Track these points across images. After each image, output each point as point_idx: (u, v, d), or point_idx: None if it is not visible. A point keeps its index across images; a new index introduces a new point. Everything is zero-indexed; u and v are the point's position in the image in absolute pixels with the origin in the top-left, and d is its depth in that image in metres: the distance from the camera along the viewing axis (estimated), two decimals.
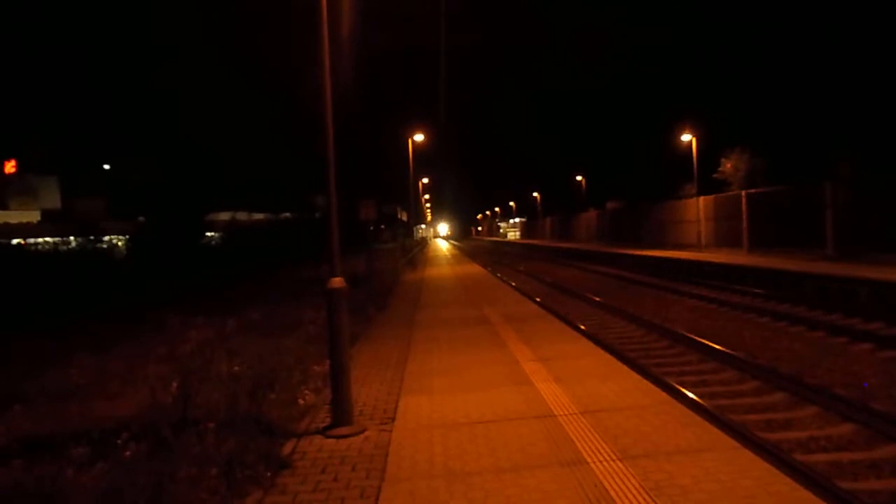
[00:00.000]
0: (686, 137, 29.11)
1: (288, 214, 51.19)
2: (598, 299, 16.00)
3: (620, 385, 5.82)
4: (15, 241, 35.76)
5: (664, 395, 5.57)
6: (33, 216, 58.68)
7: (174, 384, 5.74)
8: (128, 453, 4.10)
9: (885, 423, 5.93)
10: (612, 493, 3.50)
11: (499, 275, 24.06)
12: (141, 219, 37.07)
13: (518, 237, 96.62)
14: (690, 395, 7.09)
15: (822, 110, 24.72)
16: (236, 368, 6.39)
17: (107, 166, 67.35)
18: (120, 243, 32.64)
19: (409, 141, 27.33)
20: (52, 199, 66.57)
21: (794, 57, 29.45)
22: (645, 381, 6.06)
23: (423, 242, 53.81)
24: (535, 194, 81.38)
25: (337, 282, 4.98)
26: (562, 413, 5.02)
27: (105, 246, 27.51)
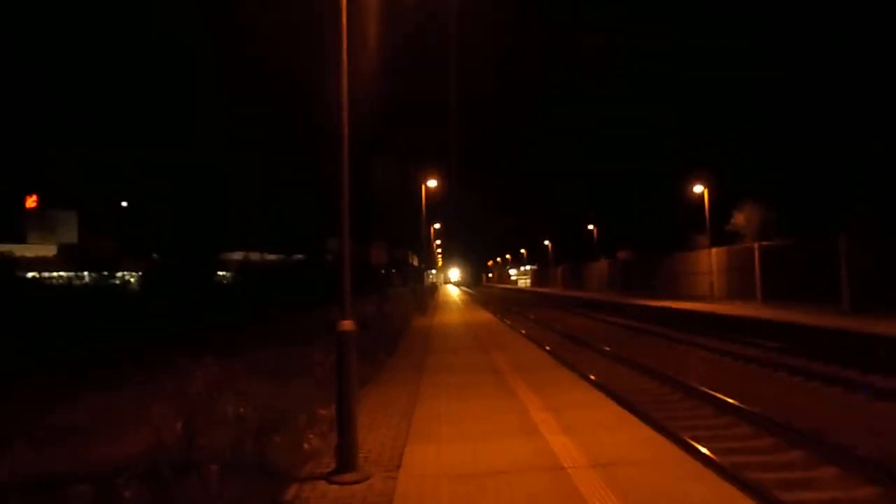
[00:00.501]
0: (698, 189, 29.21)
1: (300, 256, 51.60)
2: (608, 349, 15.80)
3: (632, 437, 5.68)
4: (30, 275, 36.19)
5: (677, 449, 5.42)
6: (50, 250, 59.53)
7: (178, 424, 5.68)
8: (127, 494, 4.03)
9: None
10: None
11: (508, 322, 23.89)
12: (155, 256, 37.49)
13: (528, 284, 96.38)
14: (703, 449, 6.90)
15: (835, 164, 24.83)
16: (241, 410, 6.31)
17: (125, 203, 68.61)
18: (132, 279, 32.90)
19: (423, 186, 27.68)
20: (70, 234, 67.62)
21: (808, 109, 29.77)
22: (657, 434, 5.92)
23: (434, 288, 53.80)
24: (546, 242, 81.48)
25: (347, 324, 4.96)
26: (572, 465, 4.88)
27: (118, 282, 27.73)
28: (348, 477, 4.76)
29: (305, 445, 5.62)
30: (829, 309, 19.03)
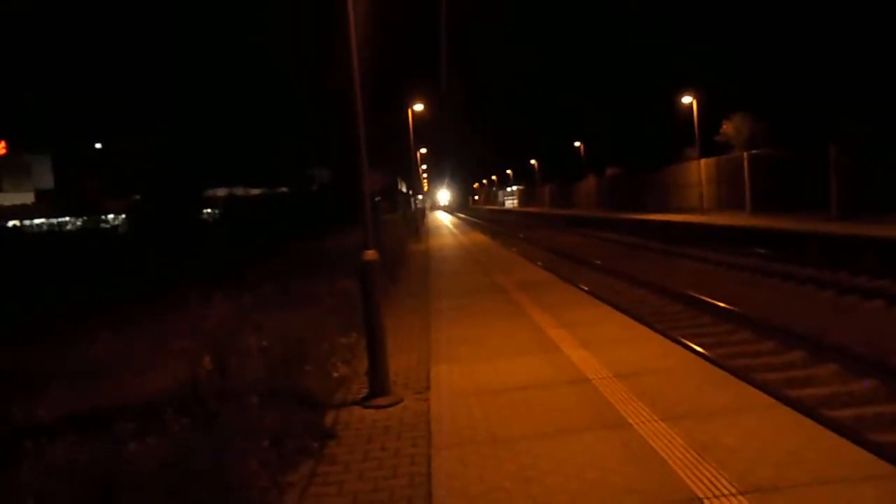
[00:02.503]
0: (687, 100, 28.90)
1: (284, 189, 51.05)
2: (606, 265, 16.08)
3: (647, 348, 5.89)
4: (11, 223, 35.56)
5: (692, 356, 5.65)
6: (27, 197, 58.16)
7: (206, 358, 5.79)
8: (176, 427, 4.16)
9: None
10: (662, 453, 3.58)
11: (503, 243, 24.11)
12: (136, 197, 36.87)
13: (515, 205, 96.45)
14: (712, 356, 7.18)
15: (826, 74, 24.53)
16: (264, 343, 6.44)
17: (99, 145, 66.65)
18: (118, 223, 32.50)
19: (409, 111, 27.09)
20: (46, 179, 65.84)
21: (798, 19, 29.08)
22: (671, 344, 6.15)
23: (422, 213, 53.80)
24: (532, 162, 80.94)
25: (370, 254, 5.00)
26: (595, 377, 5.09)
27: (107, 226, 27.40)
28: (382, 401, 4.93)
29: (334, 373, 5.78)
30: (818, 217, 19.35)
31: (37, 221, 44.01)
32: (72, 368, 6.29)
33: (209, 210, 41.72)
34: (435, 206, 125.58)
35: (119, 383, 5.90)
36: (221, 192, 49.92)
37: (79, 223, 28.48)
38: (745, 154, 24.80)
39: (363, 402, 4.97)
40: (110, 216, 36.66)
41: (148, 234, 26.53)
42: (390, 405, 4.87)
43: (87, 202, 34.86)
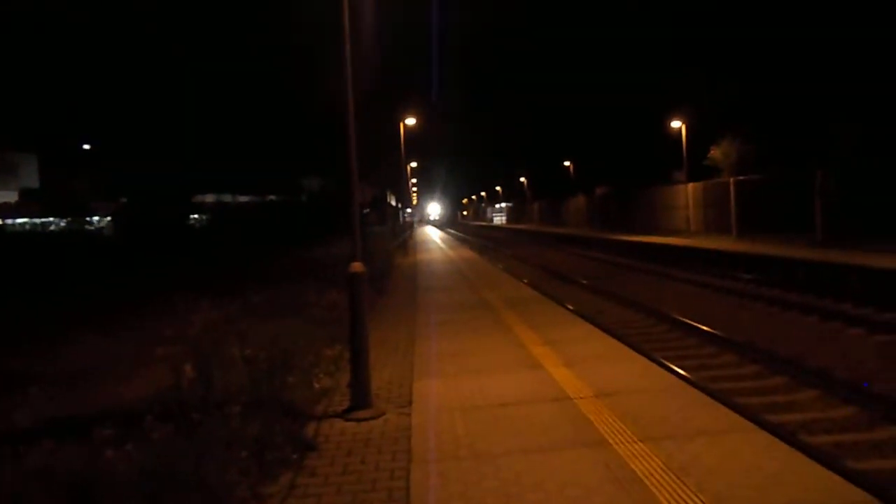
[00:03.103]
0: (676, 124, 29.29)
1: (273, 197, 50.95)
2: (593, 284, 16.17)
3: (630, 368, 5.93)
4: None
5: (674, 378, 5.69)
6: (11, 196, 57.41)
7: (187, 366, 5.75)
8: (156, 434, 4.12)
9: (884, 405, 6.11)
10: (640, 473, 3.60)
11: (491, 259, 24.17)
12: (123, 199, 36.59)
13: (504, 222, 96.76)
14: (695, 378, 7.23)
15: (812, 101, 24.96)
16: (248, 351, 6.40)
17: (87, 146, 66.16)
18: (104, 225, 32.17)
19: (402, 125, 27.20)
20: (31, 178, 65.09)
21: (786, 43, 29.63)
22: (653, 365, 6.19)
23: (411, 227, 53.83)
24: (522, 179, 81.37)
25: (357, 266, 5.01)
26: (577, 396, 5.11)
27: (92, 228, 27.12)
28: (363, 413, 4.91)
29: (316, 384, 5.76)
30: (802, 242, 19.61)
31: (20, 221, 43.51)
32: (53, 373, 6.23)
33: (196, 216, 41.50)
34: (424, 220, 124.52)
35: (100, 389, 5.85)
36: (209, 198, 49.70)
37: (63, 224, 28.14)
38: (731, 180, 25.13)
39: (345, 415, 4.95)
40: (95, 218, 36.33)
41: (134, 238, 26.31)
42: (372, 418, 4.86)
43: (73, 203, 34.54)
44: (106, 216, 34.31)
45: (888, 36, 23.64)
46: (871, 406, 6.18)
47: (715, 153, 28.02)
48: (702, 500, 3.23)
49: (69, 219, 28.61)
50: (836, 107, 23.45)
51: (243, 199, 54.63)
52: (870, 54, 24.68)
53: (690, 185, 28.91)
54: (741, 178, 24.65)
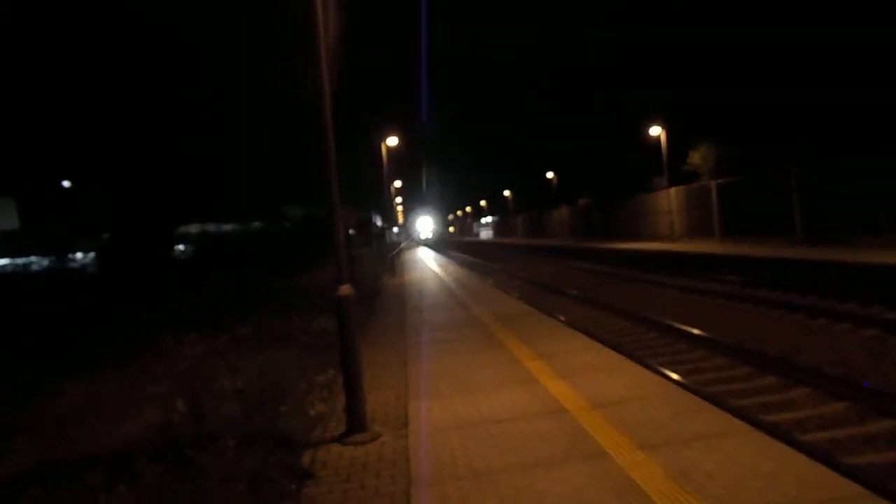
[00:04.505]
0: (655, 131, 29.69)
1: (258, 224, 50.73)
2: (581, 294, 16.22)
3: (623, 377, 5.94)
4: None
5: (668, 384, 5.70)
6: None
7: (179, 402, 5.68)
8: (148, 477, 4.05)
9: (875, 399, 6.17)
10: (640, 482, 3.59)
11: (478, 274, 24.18)
12: (106, 236, 36.20)
13: (490, 236, 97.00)
14: (688, 383, 7.26)
15: (785, 101, 25.50)
16: (240, 384, 6.34)
17: (67, 183, 65.61)
18: (85, 262, 31.80)
19: (383, 145, 27.28)
20: (10, 221, 64.40)
21: (756, 45, 30.24)
22: (646, 372, 6.20)
23: (398, 246, 53.72)
24: (506, 193, 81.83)
25: (345, 289, 4.99)
26: (573, 408, 5.10)
27: (75, 265, 26.78)
28: (360, 437, 4.87)
29: (311, 411, 5.71)
30: (783, 241, 19.87)
31: (1, 262, 42.91)
32: (38, 421, 6.10)
33: (182, 246, 41.17)
34: (413, 239, 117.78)
35: (89, 433, 5.73)
36: (194, 228, 49.32)
37: (45, 263, 27.78)
38: (713, 183, 25.46)
39: (341, 440, 4.90)
40: (79, 255, 35.92)
41: (117, 274, 26.01)
42: (368, 442, 4.81)
43: (54, 241, 34.15)
44: (89, 252, 33.94)
45: (854, 39, 24.25)
46: (862, 400, 6.24)
47: (694, 157, 28.42)
48: None
49: (52, 257, 28.26)
50: (806, 107, 23.98)
51: (227, 227, 54.31)
52: (838, 59, 25.28)
53: (672, 190, 29.24)
54: (721, 180, 24.99)
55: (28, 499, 3.76)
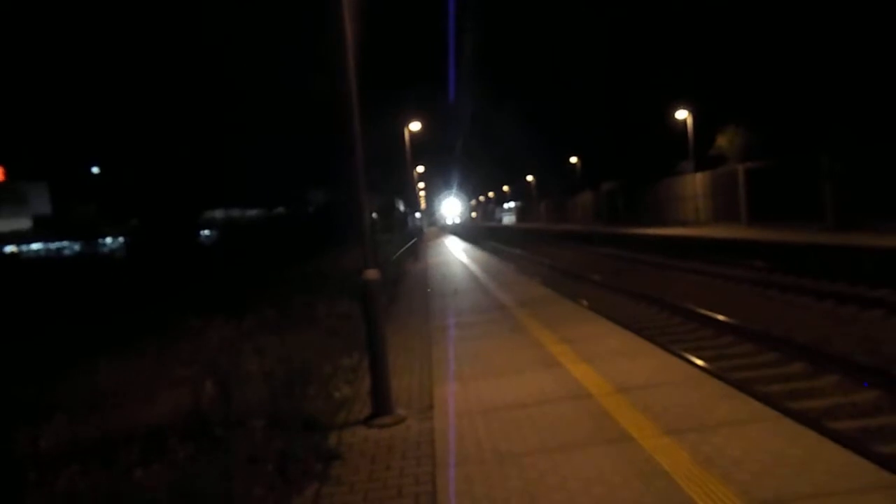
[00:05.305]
0: (681, 115, 29.18)
1: (281, 209, 51.27)
2: (605, 279, 16.12)
3: (648, 362, 5.91)
4: (9, 249, 35.53)
5: (694, 370, 5.66)
6: (24, 223, 58.30)
7: (207, 384, 5.80)
8: (181, 454, 4.16)
9: None
10: (666, 467, 3.59)
11: (502, 259, 24.15)
12: (134, 221, 36.94)
13: (513, 221, 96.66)
14: (714, 369, 7.20)
15: (816, 85, 24.80)
16: (266, 366, 6.44)
17: (96, 169, 66.90)
18: (116, 246, 32.48)
19: (406, 130, 27.24)
20: (43, 205, 66.05)
21: (786, 29, 29.41)
22: (671, 357, 6.16)
23: (420, 232, 53.82)
24: (528, 178, 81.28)
25: (371, 273, 5.03)
26: (598, 392, 5.10)
27: (105, 250, 27.37)
28: (386, 420, 4.93)
29: (336, 394, 5.79)
30: (813, 227, 19.46)
31: (34, 247, 44.04)
32: (74, 398, 6.28)
33: (206, 232, 41.82)
34: (437, 225, 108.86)
35: (122, 412, 5.88)
36: (219, 213, 50.07)
37: (76, 248, 28.45)
38: (740, 167, 24.98)
39: (367, 422, 4.97)
40: (108, 239, 36.67)
41: (146, 259, 26.55)
42: (394, 424, 4.87)
43: (85, 227, 34.90)
44: (118, 237, 34.64)
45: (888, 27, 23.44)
46: (893, 389, 6.12)
47: (721, 141, 27.89)
48: (729, 492, 3.22)
49: (81, 242, 28.91)
50: (840, 91, 23.32)
51: (252, 212, 55.01)
52: (870, 45, 24.48)
53: (698, 175, 28.78)
54: (749, 164, 24.51)
55: (67, 474, 3.88)
